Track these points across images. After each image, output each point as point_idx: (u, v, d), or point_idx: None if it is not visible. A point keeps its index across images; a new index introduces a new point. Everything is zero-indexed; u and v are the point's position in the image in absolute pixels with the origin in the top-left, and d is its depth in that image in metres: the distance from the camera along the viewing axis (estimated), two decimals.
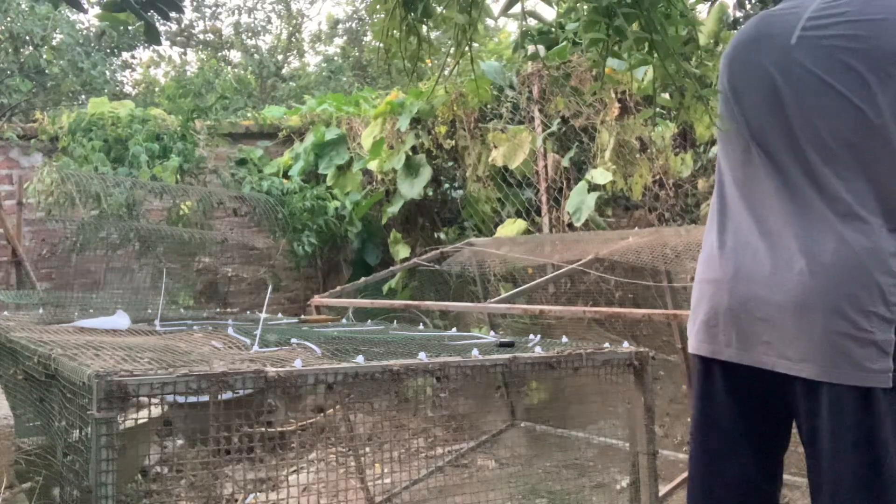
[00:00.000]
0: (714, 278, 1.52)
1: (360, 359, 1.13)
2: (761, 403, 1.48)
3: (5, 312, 3.05)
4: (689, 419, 3.83)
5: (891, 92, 1.34)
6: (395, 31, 1.27)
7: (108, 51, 11.01)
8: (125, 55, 11.94)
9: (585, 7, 1.10)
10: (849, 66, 1.37)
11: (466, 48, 1.24)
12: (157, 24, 2.12)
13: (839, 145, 1.38)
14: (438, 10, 1.27)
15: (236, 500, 3.19)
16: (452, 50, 1.24)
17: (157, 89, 11.89)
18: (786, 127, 1.43)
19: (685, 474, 3.47)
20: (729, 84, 1.52)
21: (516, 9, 1.27)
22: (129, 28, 9.69)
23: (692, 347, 1.56)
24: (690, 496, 1.57)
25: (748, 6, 3.97)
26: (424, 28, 1.31)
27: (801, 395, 1.39)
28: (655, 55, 1.15)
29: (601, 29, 1.11)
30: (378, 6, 1.27)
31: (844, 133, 1.37)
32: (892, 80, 1.34)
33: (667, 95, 1.42)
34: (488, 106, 5.03)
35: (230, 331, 1.59)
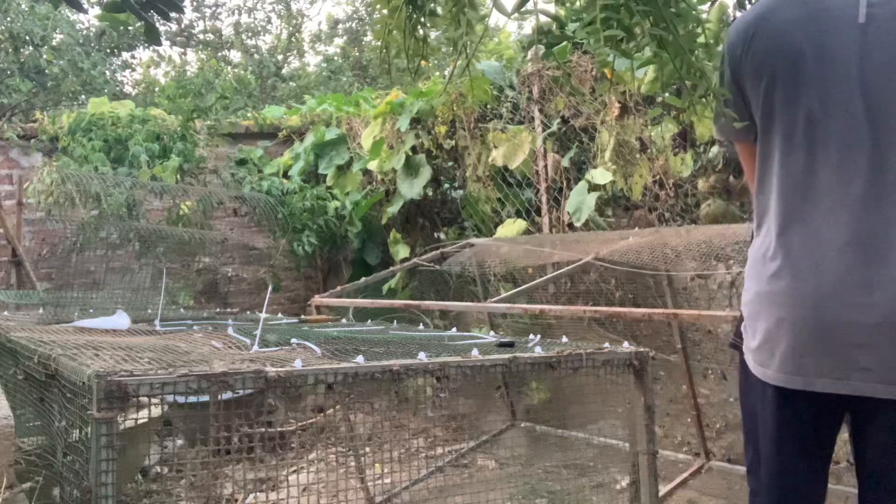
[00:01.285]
0: (788, 293, 1.35)
1: (360, 359, 1.13)
2: (837, 422, 1.46)
3: (5, 312, 3.04)
4: (689, 419, 3.84)
5: None
6: (396, 31, 1.27)
7: (108, 51, 11.02)
8: (125, 55, 11.95)
9: (598, 5, 1.10)
10: None
11: (467, 48, 1.24)
12: (157, 24, 2.12)
13: None
14: (440, 10, 1.27)
15: (236, 500, 3.19)
16: (454, 49, 1.24)
17: (157, 89, 11.90)
18: (868, 118, 1.28)
19: (685, 474, 3.48)
20: (782, 72, 1.34)
21: (526, 7, 1.27)
22: (129, 28, 9.69)
23: (774, 379, 1.41)
24: None
25: (748, 6, 3.96)
26: (424, 28, 1.31)
27: (892, 414, 1.33)
28: (665, 53, 1.15)
29: (615, 26, 1.10)
30: (379, 4, 1.27)
31: None
32: None
33: (669, 94, 1.42)
34: (488, 106, 5.03)
35: (230, 331, 1.59)
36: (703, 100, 1.23)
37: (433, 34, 1.32)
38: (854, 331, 1.29)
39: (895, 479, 1.38)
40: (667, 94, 1.32)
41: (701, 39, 1.21)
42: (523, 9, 1.24)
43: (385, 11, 1.26)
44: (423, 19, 1.27)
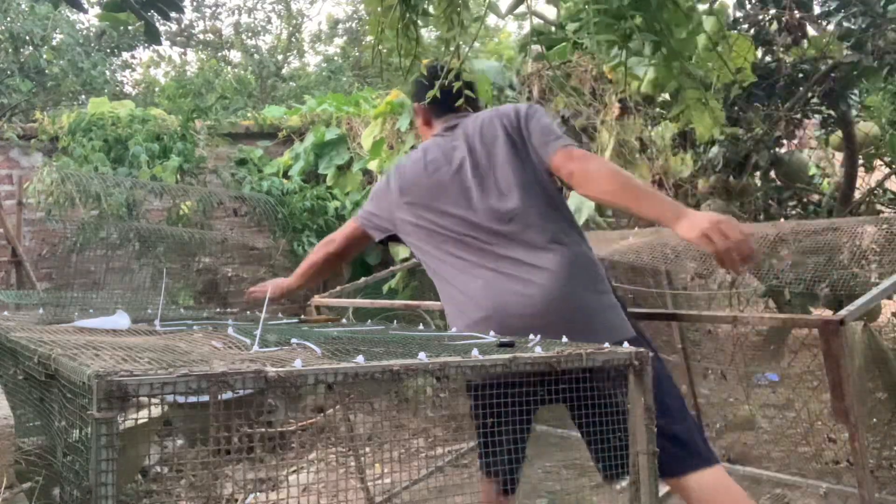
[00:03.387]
0: (482, 317, 1.94)
1: (360, 359, 1.13)
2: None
3: (5, 312, 3.04)
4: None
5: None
6: (389, 30, 1.27)
7: (108, 51, 11.02)
8: (125, 55, 11.96)
9: (591, 9, 1.10)
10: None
11: (460, 48, 1.24)
12: (157, 24, 2.12)
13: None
14: (432, 9, 1.27)
15: (236, 500, 3.19)
16: (447, 49, 1.24)
17: (157, 89, 11.90)
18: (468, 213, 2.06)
19: None
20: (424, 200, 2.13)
21: (521, 9, 1.27)
22: (129, 28, 9.70)
23: None
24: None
25: (748, 6, 3.97)
26: (417, 27, 1.31)
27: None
28: (661, 56, 1.15)
29: (615, 30, 1.10)
30: (373, 4, 1.27)
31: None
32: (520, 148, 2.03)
33: (667, 95, 1.41)
34: (488, 106, 5.03)
35: (230, 331, 1.59)
36: (698, 102, 1.23)
37: (427, 34, 1.32)
38: (520, 322, 1.87)
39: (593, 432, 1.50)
40: (664, 95, 1.32)
41: (702, 41, 1.21)
42: (522, 10, 1.24)
43: (379, 10, 1.26)
44: (416, 19, 1.27)
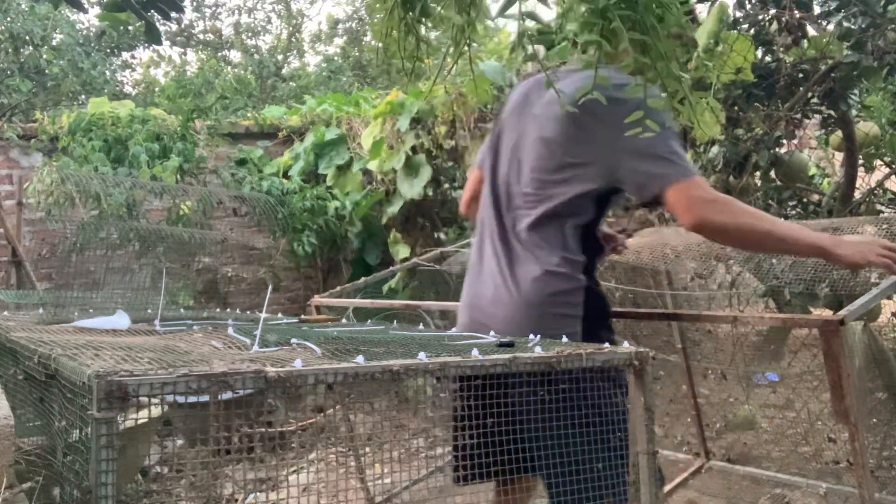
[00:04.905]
0: (464, 303, 2.00)
1: (360, 359, 1.13)
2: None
3: (5, 312, 3.04)
4: (689, 419, 3.84)
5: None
6: (393, 31, 1.27)
7: (108, 51, 11.02)
8: (125, 55, 11.96)
9: (583, 8, 1.10)
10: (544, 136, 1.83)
11: (465, 48, 1.24)
12: (158, 24, 2.12)
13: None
14: (437, 9, 1.27)
15: (236, 500, 3.19)
16: (451, 50, 1.24)
17: (157, 89, 11.90)
18: (499, 189, 1.97)
19: (685, 474, 3.48)
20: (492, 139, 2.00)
21: (514, 10, 1.27)
22: (129, 28, 9.70)
23: None
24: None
25: (748, 6, 3.97)
26: (423, 28, 1.31)
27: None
28: (646, 59, 1.15)
29: (596, 31, 1.10)
30: (377, 6, 1.27)
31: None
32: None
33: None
34: (488, 106, 5.03)
35: (230, 331, 1.59)
36: (681, 104, 1.24)
37: (432, 35, 1.32)
38: (487, 322, 1.83)
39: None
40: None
41: (702, 40, 1.21)
42: (518, 11, 1.24)
43: (381, 15, 1.26)
44: (418, 17, 1.27)
